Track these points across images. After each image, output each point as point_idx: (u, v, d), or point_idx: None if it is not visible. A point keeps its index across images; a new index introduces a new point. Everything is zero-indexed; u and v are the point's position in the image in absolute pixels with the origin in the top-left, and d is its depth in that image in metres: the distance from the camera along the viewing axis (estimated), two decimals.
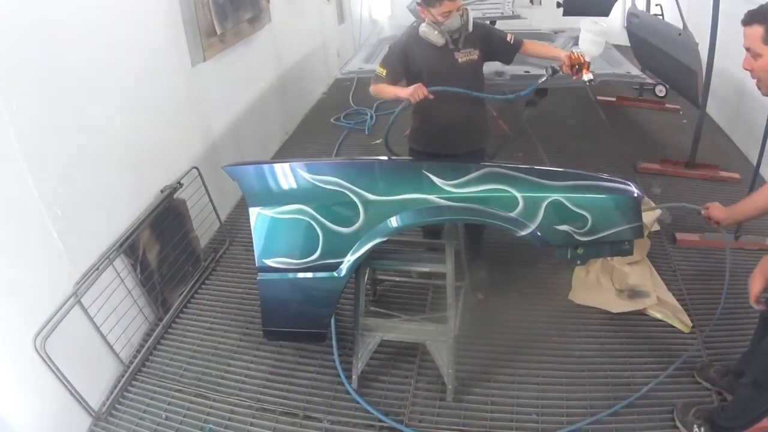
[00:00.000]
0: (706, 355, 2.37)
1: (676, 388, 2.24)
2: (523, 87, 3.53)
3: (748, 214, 1.91)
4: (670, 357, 2.40)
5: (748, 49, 1.67)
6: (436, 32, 2.34)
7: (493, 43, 2.49)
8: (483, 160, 2.59)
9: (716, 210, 1.95)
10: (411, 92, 2.25)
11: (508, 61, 2.64)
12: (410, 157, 2.65)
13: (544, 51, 2.59)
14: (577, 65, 2.28)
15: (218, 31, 3.24)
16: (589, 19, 2.24)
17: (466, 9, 2.37)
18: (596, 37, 2.21)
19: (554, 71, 2.35)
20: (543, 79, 2.39)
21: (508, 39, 2.50)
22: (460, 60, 2.40)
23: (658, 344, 2.48)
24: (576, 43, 4.26)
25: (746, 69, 1.71)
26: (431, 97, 2.27)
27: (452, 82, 2.37)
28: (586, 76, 2.28)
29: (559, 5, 5.81)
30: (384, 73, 2.42)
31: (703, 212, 1.99)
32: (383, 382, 2.34)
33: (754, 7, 1.66)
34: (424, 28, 2.37)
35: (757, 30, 1.62)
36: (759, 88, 1.71)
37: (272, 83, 4.43)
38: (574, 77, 2.31)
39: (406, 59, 2.42)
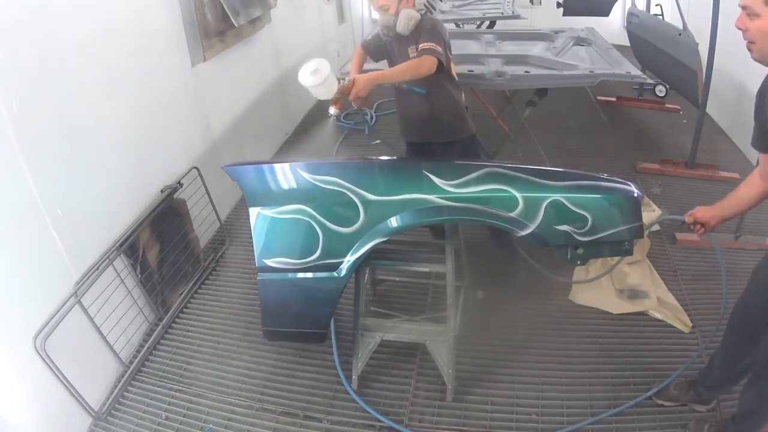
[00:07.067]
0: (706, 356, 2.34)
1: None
2: (523, 87, 3.55)
3: (738, 208, 1.84)
4: (670, 357, 2.40)
5: (744, 8, 1.51)
6: (378, 27, 2.57)
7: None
8: (458, 152, 2.66)
9: (702, 211, 1.86)
10: (352, 92, 2.38)
11: None
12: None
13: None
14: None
15: (236, 24, 3.40)
16: (304, 69, 2.20)
17: (404, 11, 2.42)
18: (313, 89, 2.23)
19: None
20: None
21: (422, 46, 2.40)
22: (411, 55, 2.50)
23: (658, 344, 2.48)
24: (577, 43, 4.27)
25: (739, 28, 1.54)
26: (359, 100, 2.40)
27: None
28: (331, 110, 2.36)
29: (559, 5, 5.82)
30: (367, 42, 2.78)
31: (687, 219, 1.90)
32: (383, 382, 2.34)
33: None
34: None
35: None
36: (750, 51, 1.56)
37: (272, 83, 4.43)
38: None
39: (381, 43, 2.67)
